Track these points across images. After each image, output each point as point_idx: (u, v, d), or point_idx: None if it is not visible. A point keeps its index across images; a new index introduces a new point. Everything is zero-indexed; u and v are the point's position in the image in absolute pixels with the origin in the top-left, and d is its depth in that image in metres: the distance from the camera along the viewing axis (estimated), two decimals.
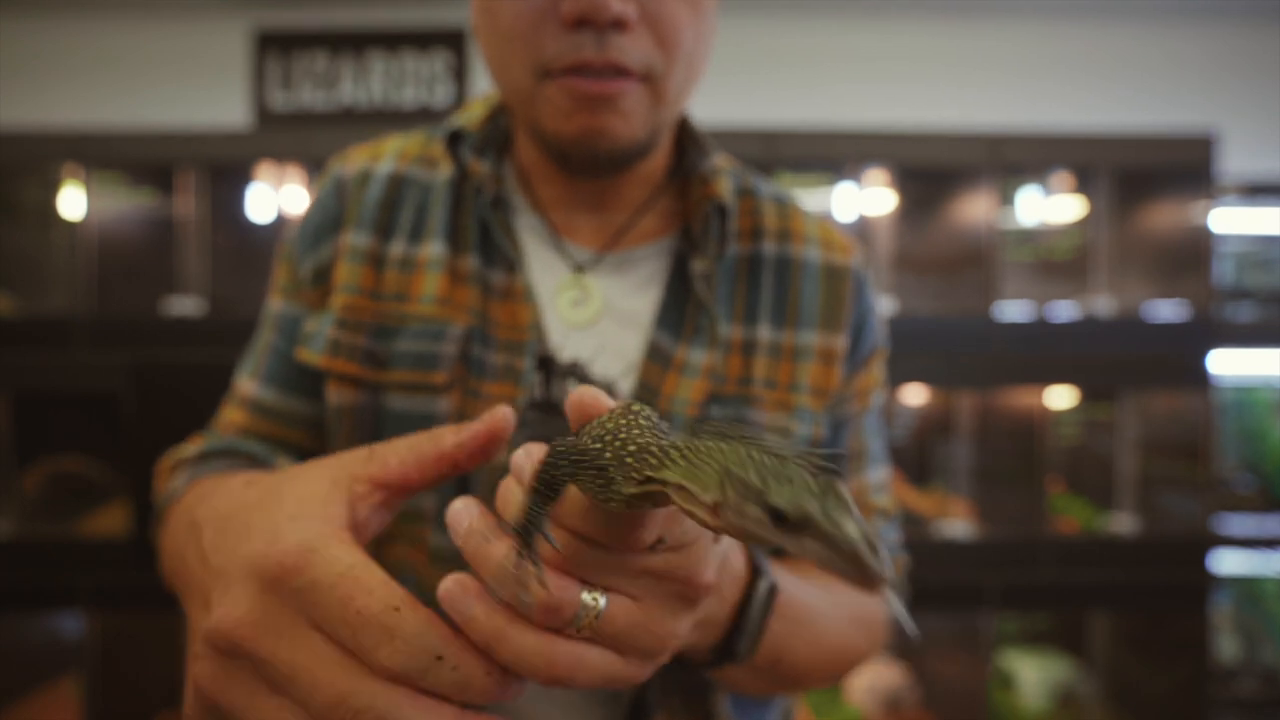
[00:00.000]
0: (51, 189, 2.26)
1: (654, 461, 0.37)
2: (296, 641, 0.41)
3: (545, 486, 0.39)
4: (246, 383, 0.83)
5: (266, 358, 0.82)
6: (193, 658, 0.44)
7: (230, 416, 0.83)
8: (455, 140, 0.81)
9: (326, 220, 0.82)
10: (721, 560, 0.48)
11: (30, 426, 2.23)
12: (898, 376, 2.19)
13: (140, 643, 2.19)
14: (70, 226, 2.23)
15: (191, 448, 0.79)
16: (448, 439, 0.48)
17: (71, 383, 2.12)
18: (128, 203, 2.36)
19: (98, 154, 2.18)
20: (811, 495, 0.31)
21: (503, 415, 0.48)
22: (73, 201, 2.21)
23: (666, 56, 0.70)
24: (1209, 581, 2.25)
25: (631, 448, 0.38)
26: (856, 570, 0.30)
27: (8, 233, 2.38)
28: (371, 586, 0.41)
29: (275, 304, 0.84)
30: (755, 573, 0.59)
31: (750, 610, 0.57)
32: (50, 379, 2.13)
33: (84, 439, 2.31)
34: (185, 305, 2.20)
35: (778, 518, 0.31)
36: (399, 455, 0.48)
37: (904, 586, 0.87)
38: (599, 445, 0.39)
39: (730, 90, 2.69)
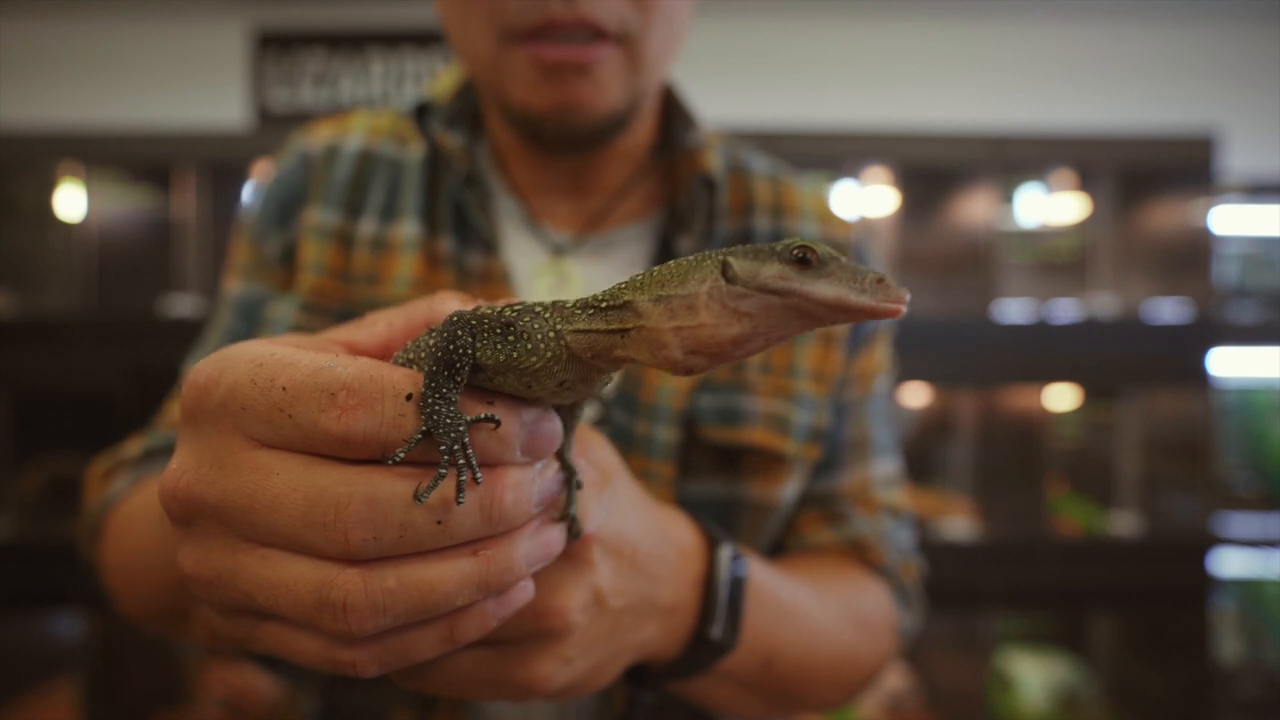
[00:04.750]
0: (50, 188, 2.26)
1: (618, 289, 0.36)
2: (242, 463, 0.33)
3: (443, 366, 0.33)
4: None
5: (223, 344, 0.72)
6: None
7: (178, 411, 0.75)
8: (423, 114, 0.76)
9: (293, 196, 0.76)
10: (610, 515, 0.44)
11: (29, 426, 2.22)
12: (898, 376, 2.18)
13: (138, 643, 2.18)
14: (69, 226, 2.23)
15: (132, 448, 0.72)
16: (448, 305, 0.41)
17: (70, 382, 2.12)
18: (127, 202, 2.36)
19: (97, 153, 2.18)
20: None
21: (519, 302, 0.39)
22: (72, 201, 2.21)
23: (644, 14, 0.64)
24: (1210, 582, 2.24)
25: (546, 300, 0.37)
26: (883, 292, 0.32)
27: (7, 232, 2.38)
28: (294, 359, 0.34)
29: (233, 286, 0.78)
30: (713, 545, 0.54)
31: (716, 580, 0.52)
32: (49, 379, 2.13)
33: (82, 439, 2.31)
34: (184, 305, 2.19)
35: (803, 262, 0.32)
36: (387, 319, 0.41)
37: (919, 592, 0.81)
38: (488, 311, 0.36)
39: (730, 90, 2.69)
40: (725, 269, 0.34)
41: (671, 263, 0.36)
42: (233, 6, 2.71)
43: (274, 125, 2.58)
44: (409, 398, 0.33)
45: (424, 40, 2.63)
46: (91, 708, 2.12)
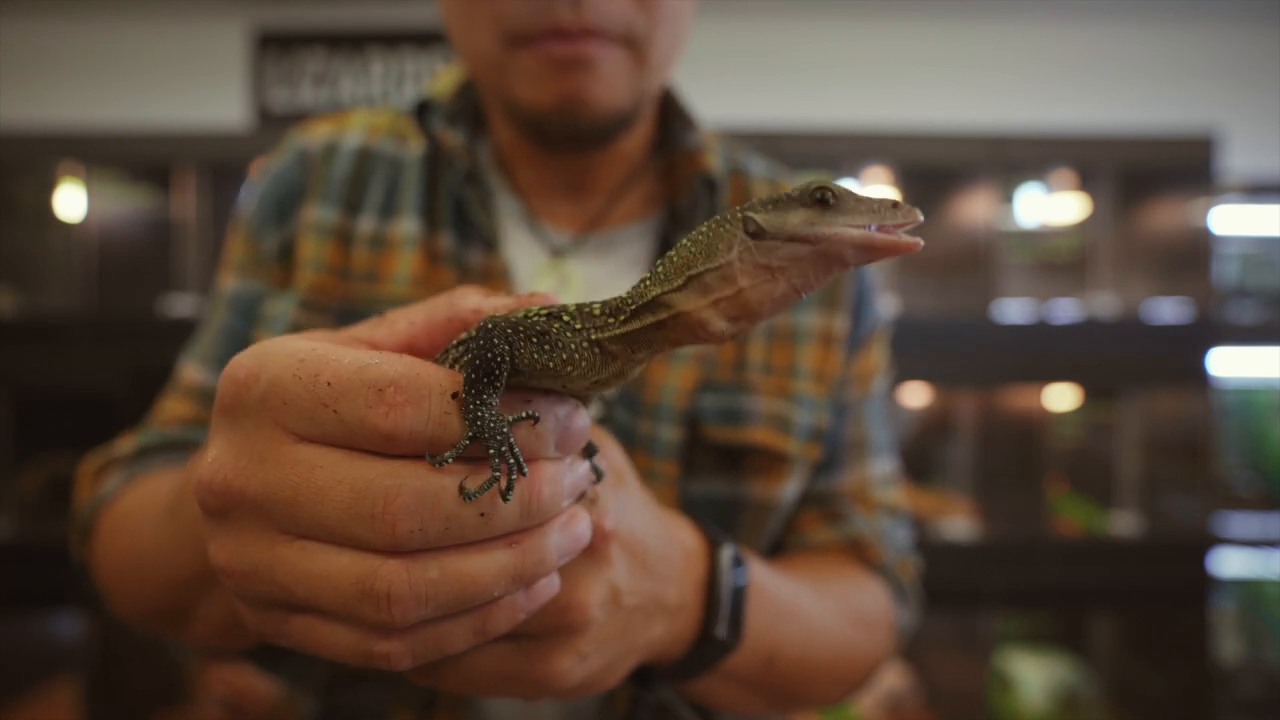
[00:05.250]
0: (50, 188, 2.26)
1: (644, 287, 0.36)
2: (283, 457, 0.34)
3: (483, 373, 0.34)
4: (193, 369, 0.75)
5: (219, 341, 0.75)
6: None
7: (172, 409, 0.74)
8: (424, 112, 0.76)
9: (291, 193, 0.76)
10: (624, 515, 0.44)
11: (29, 426, 2.22)
12: (898, 376, 2.19)
13: (138, 643, 2.18)
14: (69, 226, 2.23)
15: (124, 446, 0.71)
16: (469, 301, 0.41)
17: (70, 382, 2.12)
18: (127, 202, 2.36)
19: (97, 153, 2.18)
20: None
21: (542, 298, 0.40)
22: (72, 201, 2.21)
23: (649, 17, 0.66)
24: (1210, 582, 2.24)
25: (571, 308, 0.38)
26: (899, 211, 0.33)
27: (7, 232, 2.38)
28: (338, 355, 0.34)
29: (229, 283, 0.77)
30: (714, 546, 0.54)
31: (719, 581, 0.52)
32: (49, 379, 2.13)
33: (82, 439, 2.30)
34: (184, 305, 2.19)
35: (822, 203, 0.33)
36: (408, 317, 0.42)
37: (916, 590, 0.81)
38: (519, 318, 0.36)
39: (731, 90, 2.69)
40: (747, 225, 0.34)
41: (687, 240, 0.36)
42: (233, 6, 2.71)
43: (274, 125, 2.58)
44: (454, 396, 0.34)
45: (424, 40, 2.63)
46: (91, 708, 2.11)
